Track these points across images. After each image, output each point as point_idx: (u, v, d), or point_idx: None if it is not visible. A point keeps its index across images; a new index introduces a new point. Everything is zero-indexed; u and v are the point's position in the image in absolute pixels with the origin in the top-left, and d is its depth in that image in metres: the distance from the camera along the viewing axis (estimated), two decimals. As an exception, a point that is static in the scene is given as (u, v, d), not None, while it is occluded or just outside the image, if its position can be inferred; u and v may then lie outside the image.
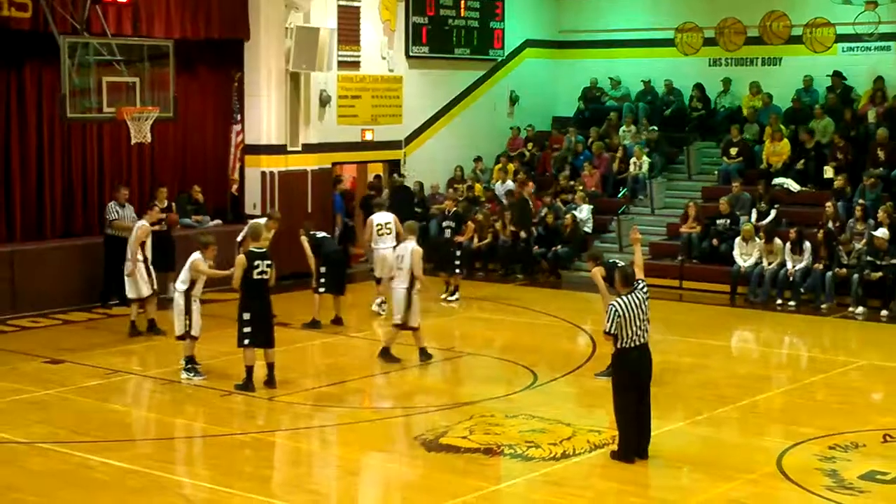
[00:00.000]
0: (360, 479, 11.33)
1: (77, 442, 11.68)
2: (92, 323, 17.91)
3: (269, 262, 13.71)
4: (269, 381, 13.81)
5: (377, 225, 18.25)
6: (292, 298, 18.46)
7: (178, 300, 14.27)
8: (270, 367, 13.85)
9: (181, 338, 14.38)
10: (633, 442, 11.08)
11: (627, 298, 11.03)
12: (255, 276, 13.56)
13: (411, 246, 15.03)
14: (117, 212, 18.57)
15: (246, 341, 13.64)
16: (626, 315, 10.92)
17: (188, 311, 14.18)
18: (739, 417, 13.00)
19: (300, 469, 11.38)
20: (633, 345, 11.00)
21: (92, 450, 11.43)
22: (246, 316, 13.65)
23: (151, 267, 16.70)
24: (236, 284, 13.67)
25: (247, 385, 13.63)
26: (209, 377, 14.33)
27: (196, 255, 14.19)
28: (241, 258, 13.71)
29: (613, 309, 10.97)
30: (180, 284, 14.27)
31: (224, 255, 15.88)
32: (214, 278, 14.30)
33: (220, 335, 15.28)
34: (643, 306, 11.06)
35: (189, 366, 14.28)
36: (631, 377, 11.08)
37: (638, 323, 10.98)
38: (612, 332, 10.97)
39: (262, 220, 16.47)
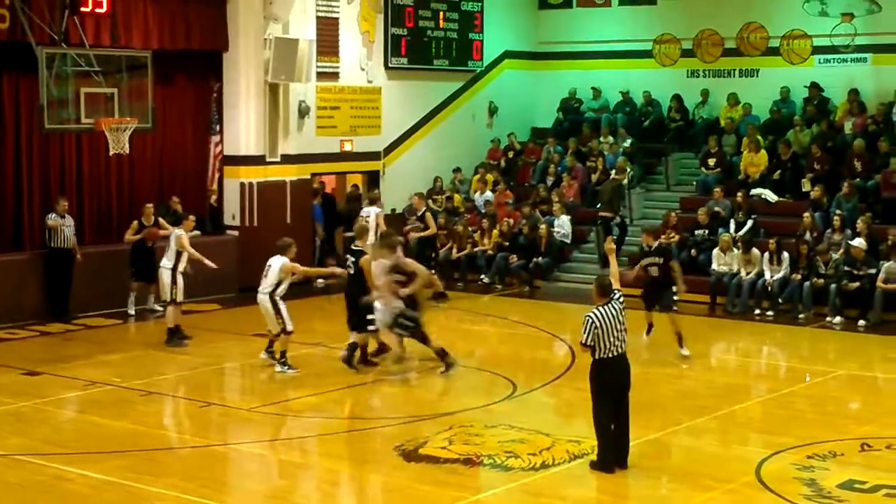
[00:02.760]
0: (340, 490, 11.31)
1: (54, 454, 11.62)
2: (70, 334, 17.82)
3: (354, 258, 15.28)
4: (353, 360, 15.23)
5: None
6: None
7: (265, 302, 14.98)
8: (352, 347, 15.20)
9: (277, 335, 15.09)
10: (611, 452, 11.09)
11: (604, 309, 11.04)
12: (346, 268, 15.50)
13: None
14: (58, 222, 18.46)
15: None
16: (603, 325, 10.94)
17: (278, 311, 14.91)
18: (718, 427, 13.04)
19: (280, 480, 11.34)
20: (610, 355, 11.01)
21: (69, 462, 11.37)
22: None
23: (179, 276, 16.69)
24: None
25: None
26: (189, 389, 14.30)
27: (283, 259, 14.99)
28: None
29: (590, 320, 10.97)
30: (266, 287, 14.95)
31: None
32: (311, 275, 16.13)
33: (201, 349, 15.24)
34: (620, 316, 11.07)
35: (283, 359, 15.01)
36: (609, 387, 11.09)
37: (615, 333, 10.99)
38: (589, 343, 10.99)
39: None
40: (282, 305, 15.00)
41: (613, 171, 23.69)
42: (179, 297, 16.62)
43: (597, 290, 11.25)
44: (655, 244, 16.62)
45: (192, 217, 17.85)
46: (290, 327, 15.04)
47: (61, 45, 17.60)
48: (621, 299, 11.20)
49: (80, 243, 18.87)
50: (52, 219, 18.45)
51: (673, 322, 16.15)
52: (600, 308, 11.03)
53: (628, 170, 23.59)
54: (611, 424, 11.08)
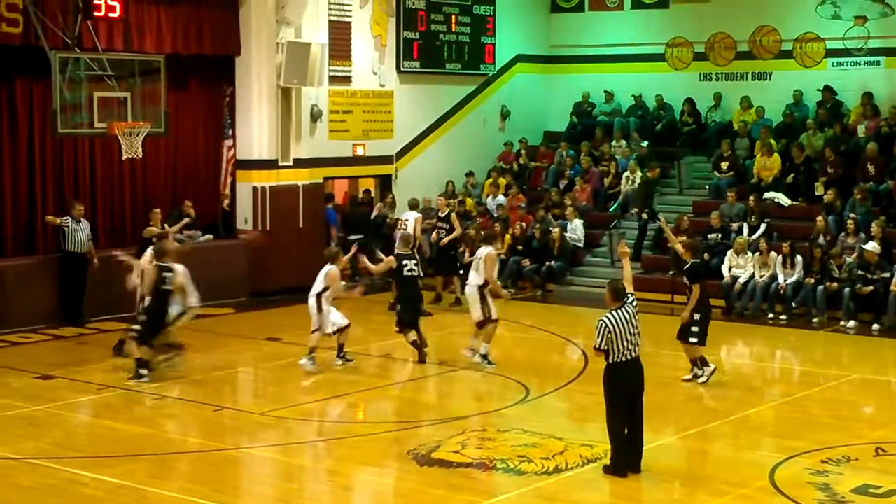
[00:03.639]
0: (353, 494, 11.29)
1: (67, 458, 11.64)
2: (83, 338, 17.85)
3: (415, 261, 16.29)
4: (420, 357, 15.83)
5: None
6: (289, 312, 18.42)
7: (311, 302, 15.47)
8: (416, 344, 15.86)
9: (315, 331, 15.49)
10: (624, 456, 11.07)
11: (617, 313, 11.01)
12: (406, 274, 15.99)
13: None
14: (73, 228, 18.48)
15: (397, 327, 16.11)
16: (616, 330, 10.92)
17: (320, 310, 15.39)
18: (731, 432, 13.00)
19: (292, 484, 11.34)
20: (624, 359, 10.99)
21: (83, 466, 11.39)
22: (398, 306, 16.44)
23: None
24: (378, 270, 16.84)
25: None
26: (201, 393, 14.32)
27: (331, 267, 15.51)
28: (390, 259, 16.52)
29: (603, 324, 10.94)
30: (314, 291, 15.49)
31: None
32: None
33: (213, 353, 15.25)
34: (633, 320, 11.04)
35: (312, 353, 15.45)
36: (622, 391, 11.06)
37: (629, 337, 10.97)
38: (603, 347, 10.97)
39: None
40: (325, 308, 15.40)
41: (626, 175, 23.71)
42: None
43: (610, 294, 11.22)
44: (690, 262, 15.03)
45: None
46: (327, 330, 15.43)
47: (74, 50, 17.63)
48: (635, 303, 11.17)
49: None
50: (60, 220, 18.44)
51: (687, 351, 15.04)
52: (614, 312, 11.00)
53: (639, 173, 23.59)
54: (624, 429, 11.06)
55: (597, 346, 11.00)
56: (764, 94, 24.55)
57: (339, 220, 23.02)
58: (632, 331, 10.99)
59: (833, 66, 24.00)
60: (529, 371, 15.71)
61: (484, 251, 16.06)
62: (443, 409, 14.08)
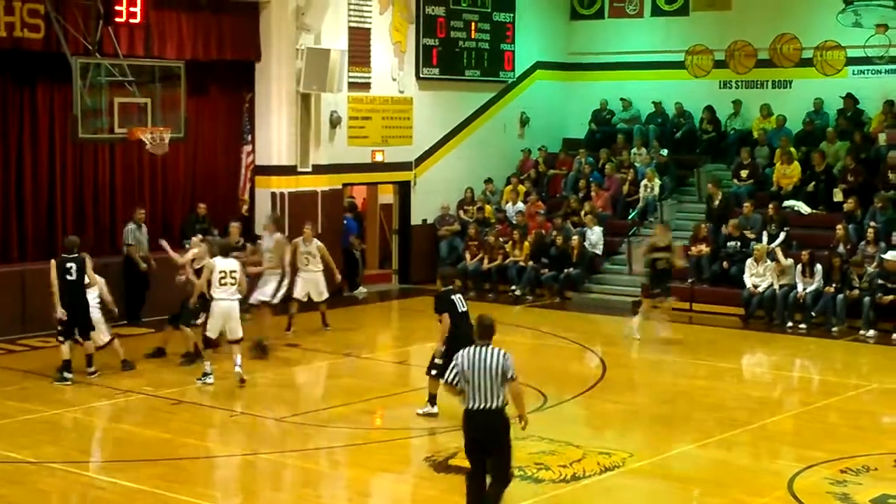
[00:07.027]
0: (370, 500, 11.30)
1: (86, 462, 11.69)
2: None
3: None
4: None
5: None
6: (306, 318, 18.44)
7: None
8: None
9: None
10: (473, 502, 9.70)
11: (478, 350, 9.54)
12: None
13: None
14: (135, 236, 18.77)
15: None
16: (465, 365, 9.49)
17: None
18: (750, 440, 12.95)
19: (309, 490, 11.35)
20: (474, 406, 9.48)
21: (101, 470, 11.45)
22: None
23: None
24: None
25: None
26: (219, 398, 14.35)
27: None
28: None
29: (457, 358, 9.68)
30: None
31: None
32: None
33: (230, 356, 15.24)
34: (497, 366, 9.41)
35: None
36: (471, 442, 9.68)
37: (484, 383, 9.42)
38: (451, 382, 9.65)
39: None
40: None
41: (644, 183, 23.69)
42: None
43: (476, 328, 9.87)
44: (440, 291, 13.55)
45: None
46: None
47: (95, 56, 17.71)
48: (504, 352, 9.60)
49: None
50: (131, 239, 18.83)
51: (429, 385, 13.50)
52: (474, 349, 9.57)
53: (657, 181, 23.56)
54: (475, 483, 9.66)
55: (447, 380, 9.81)
56: (784, 101, 24.46)
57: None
58: (490, 376, 9.40)
59: (854, 74, 23.90)
60: (547, 378, 15.67)
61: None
62: (459, 415, 14.00)
